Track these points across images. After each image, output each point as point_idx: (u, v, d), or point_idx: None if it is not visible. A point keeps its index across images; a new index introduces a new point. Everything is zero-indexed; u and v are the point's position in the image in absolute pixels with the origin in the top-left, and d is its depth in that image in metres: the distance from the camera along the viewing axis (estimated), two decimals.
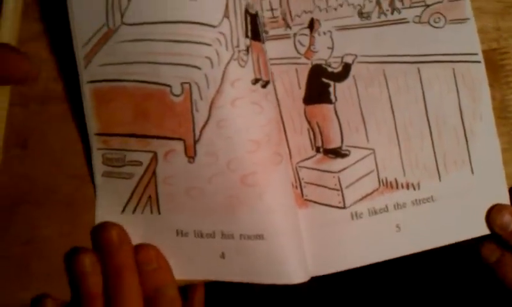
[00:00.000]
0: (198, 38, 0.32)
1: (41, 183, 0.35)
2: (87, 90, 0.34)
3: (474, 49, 0.37)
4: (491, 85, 0.37)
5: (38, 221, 0.35)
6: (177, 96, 0.33)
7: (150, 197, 0.34)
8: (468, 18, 0.37)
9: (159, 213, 0.34)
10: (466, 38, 0.37)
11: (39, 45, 0.36)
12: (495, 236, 0.36)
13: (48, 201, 0.35)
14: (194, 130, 0.33)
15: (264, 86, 0.34)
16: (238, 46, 0.33)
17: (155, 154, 0.34)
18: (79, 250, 0.33)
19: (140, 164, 0.34)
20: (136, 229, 0.35)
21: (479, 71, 0.37)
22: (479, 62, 0.37)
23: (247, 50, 0.33)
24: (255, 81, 0.33)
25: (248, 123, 0.33)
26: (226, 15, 0.32)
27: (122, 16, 0.33)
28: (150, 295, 0.33)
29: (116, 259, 0.33)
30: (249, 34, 0.33)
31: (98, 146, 0.34)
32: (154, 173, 0.34)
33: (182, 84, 0.32)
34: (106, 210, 0.35)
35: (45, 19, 0.36)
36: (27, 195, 0.35)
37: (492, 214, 0.36)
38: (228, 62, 0.32)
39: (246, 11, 0.34)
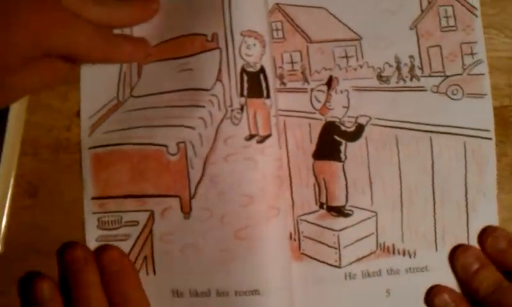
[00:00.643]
0: (192, 101, 0.35)
1: (51, 233, 0.36)
2: (87, 156, 0.36)
3: (488, 126, 0.37)
4: (502, 141, 0.38)
5: (48, 271, 0.35)
6: (173, 155, 0.35)
7: (145, 257, 0.35)
8: (485, 94, 0.38)
9: (154, 273, 0.35)
10: (481, 113, 0.38)
11: (52, 95, 0.37)
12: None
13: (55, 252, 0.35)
14: (189, 187, 0.34)
15: (260, 142, 0.35)
16: (231, 105, 0.35)
17: (152, 212, 0.35)
18: (36, 276, 0.33)
19: (137, 223, 0.35)
20: None
21: (490, 149, 0.37)
22: (491, 139, 0.37)
23: (241, 108, 0.35)
24: (250, 137, 0.34)
25: (240, 178, 0.34)
26: (218, 79, 0.35)
27: (132, 90, 0.36)
28: (115, 301, 0.33)
29: (82, 278, 0.33)
30: (245, 92, 0.35)
31: (94, 210, 0.35)
32: (151, 232, 0.35)
33: (177, 143, 0.35)
34: None
35: None
36: (37, 244, 0.36)
37: (456, 254, 0.36)
38: (221, 121, 0.34)
39: (243, 71, 0.35)
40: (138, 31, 0.37)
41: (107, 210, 0.35)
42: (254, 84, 0.35)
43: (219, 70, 0.35)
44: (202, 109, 0.35)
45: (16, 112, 0.36)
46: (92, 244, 0.35)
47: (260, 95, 0.35)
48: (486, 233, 0.36)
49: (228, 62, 0.35)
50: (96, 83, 0.37)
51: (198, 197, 0.35)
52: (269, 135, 0.35)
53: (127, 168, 0.35)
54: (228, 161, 0.34)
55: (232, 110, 0.35)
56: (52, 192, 0.37)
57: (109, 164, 0.35)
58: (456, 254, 0.36)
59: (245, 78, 0.35)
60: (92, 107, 0.36)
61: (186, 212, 0.35)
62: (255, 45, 0.35)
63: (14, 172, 0.36)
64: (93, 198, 0.36)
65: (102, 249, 0.34)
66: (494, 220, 0.37)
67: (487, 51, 0.39)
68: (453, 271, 0.36)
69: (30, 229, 0.36)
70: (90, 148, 0.36)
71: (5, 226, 0.36)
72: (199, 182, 0.35)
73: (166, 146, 0.35)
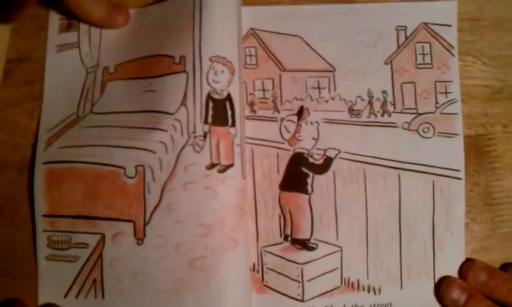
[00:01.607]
0: (154, 124, 0.34)
1: (14, 253, 0.36)
2: (40, 171, 0.35)
3: (458, 166, 0.38)
4: (476, 171, 0.39)
5: (11, 292, 0.35)
6: (130, 178, 0.34)
7: (94, 280, 0.34)
8: (457, 134, 0.38)
9: (103, 297, 0.34)
10: (452, 152, 0.38)
11: (18, 111, 0.38)
12: None
13: (22, 272, 0.35)
14: (145, 212, 0.34)
15: (221, 171, 0.34)
16: (194, 132, 0.34)
17: (103, 236, 0.34)
18: (14, 302, 0.34)
19: (86, 246, 0.34)
20: None
21: (459, 188, 0.37)
22: (460, 179, 0.37)
23: (204, 136, 0.34)
24: (211, 166, 0.34)
25: (199, 207, 0.34)
26: (183, 103, 0.34)
27: (92, 106, 0.36)
28: None
29: None
30: (209, 120, 0.34)
31: (44, 228, 0.35)
32: (101, 255, 0.34)
33: (136, 166, 0.34)
34: (49, 294, 0.35)
35: (26, 87, 0.38)
36: (1, 264, 0.36)
37: (442, 288, 0.36)
38: (183, 148, 0.34)
39: (209, 97, 0.35)
40: (106, 42, 0.38)
41: (58, 229, 0.35)
42: (219, 111, 0.35)
43: (185, 95, 0.35)
44: (164, 132, 0.34)
45: None
46: (42, 263, 0.35)
47: (224, 123, 0.35)
48: (464, 268, 0.37)
49: (194, 87, 0.35)
50: (58, 97, 0.37)
51: (153, 224, 0.34)
52: (231, 165, 0.35)
53: (81, 187, 0.35)
54: (187, 189, 0.34)
55: (195, 137, 0.34)
56: (17, 212, 0.36)
57: (62, 181, 0.35)
58: (442, 289, 0.36)
59: (210, 105, 0.35)
60: (51, 121, 0.36)
61: (139, 238, 0.34)
62: (223, 71, 0.35)
63: None
64: (44, 215, 0.35)
65: None
66: (461, 260, 0.37)
67: (463, 79, 0.39)
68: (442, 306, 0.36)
69: None
70: (44, 163, 0.35)
71: None
72: (155, 208, 0.34)
73: (123, 168, 0.34)
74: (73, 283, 0.35)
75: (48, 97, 0.37)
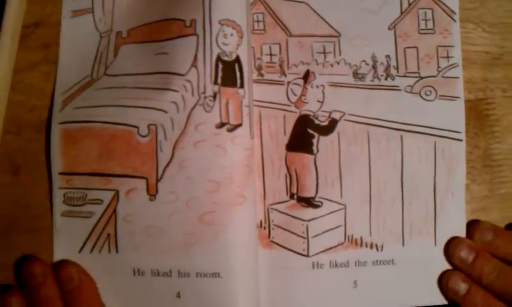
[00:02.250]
0: (166, 85, 0.36)
1: (31, 210, 0.37)
2: (57, 131, 0.36)
3: (459, 127, 0.39)
4: (476, 134, 0.40)
5: (28, 247, 0.36)
6: (143, 136, 0.35)
7: (108, 235, 0.35)
8: (458, 97, 0.39)
9: (117, 251, 0.35)
10: (453, 115, 0.39)
11: (34, 74, 0.38)
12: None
13: (38, 227, 0.37)
14: (157, 169, 0.35)
15: (230, 130, 0.36)
16: (204, 92, 0.35)
17: (117, 192, 0.35)
18: (5, 290, 0.34)
19: (101, 202, 0.35)
20: (93, 269, 0.36)
21: (459, 150, 0.38)
22: (461, 140, 0.39)
23: (214, 96, 0.35)
24: (220, 125, 0.35)
25: (209, 164, 0.35)
26: (194, 65, 0.36)
27: (106, 68, 0.37)
28: None
29: (41, 293, 0.34)
30: (219, 81, 0.36)
31: (60, 185, 0.36)
32: (115, 211, 0.35)
33: (148, 125, 0.35)
34: (64, 250, 0.36)
35: (42, 51, 0.39)
36: (18, 221, 0.37)
37: (450, 248, 0.38)
38: (194, 107, 0.35)
39: (219, 59, 0.36)
40: (119, 8, 0.39)
41: (73, 186, 0.36)
42: (228, 73, 0.36)
43: (195, 57, 0.36)
44: (175, 93, 0.35)
45: (0, 90, 0.37)
46: (58, 219, 0.36)
47: (233, 85, 0.36)
48: (471, 228, 0.38)
49: (204, 49, 0.36)
50: (73, 60, 0.37)
51: (165, 180, 0.35)
52: (239, 125, 0.36)
53: (96, 146, 0.36)
54: (198, 147, 0.35)
55: (205, 97, 0.36)
56: (34, 170, 0.37)
57: (77, 140, 0.36)
58: (450, 249, 0.37)
59: (220, 66, 0.36)
60: (66, 83, 0.37)
61: (152, 194, 0.35)
62: (232, 34, 0.36)
63: None
64: (60, 173, 0.36)
65: (60, 266, 0.35)
66: (461, 220, 0.38)
67: (464, 45, 0.40)
68: (452, 265, 0.38)
69: (11, 205, 0.37)
70: (60, 123, 0.36)
71: None
72: (167, 165, 0.35)
73: (136, 127, 0.35)
74: (88, 238, 0.36)
75: (64, 60, 0.38)
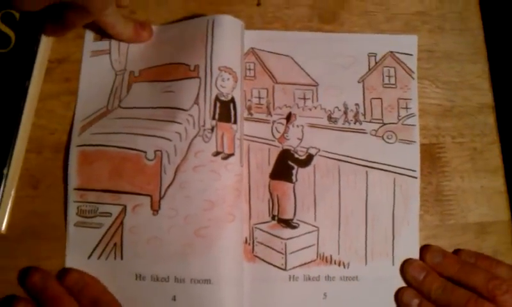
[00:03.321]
0: (172, 118, 0.40)
1: (47, 220, 0.40)
2: (75, 152, 0.40)
3: (414, 167, 0.45)
4: (429, 173, 0.45)
5: (43, 253, 0.40)
6: (150, 160, 0.39)
7: (115, 244, 0.39)
8: (414, 141, 0.45)
9: (122, 258, 0.39)
10: (410, 156, 0.45)
11: (56, 103, 0.43)
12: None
13: (53, 236, 0.40)
14: (160, 189, 0.39)
15: (224, 158, 0.40)
16: (204, 125, 0.40)
17: (125, 207, 0.39)
18: (14, 299, 0.37)
19: (110, 215, 0.39)
20: (100, 274, 0.39)
21: (415, 185, 0.44)
22: (416, 178, 0.45)
23: (212, 129, 0.40)
24: (216, 154, 0.40)
25: (205, 186, 0.39)
26: (196, 102, 0.41)
27: (120, 101, 0.42)
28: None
29: (47, 295, 0.37)
30: (216, 116, 0.40)
31: (75, 199, 0.40)
32: (122, 223, 0.39)
33: (155, 151, 0.39)
34: (75, 256, 0.40)
35: (63, 83, 0.43)
36: (35, 229, 0.40)
37: (405, 268, 0.42)
38: (194, 137, 0.40)
39: (217, 99, 0.41)
40: (132, 51, 0.44)
41: (86, 200, 0.39)
42: (224, 110, 0.41)
43: (197, 95, 0.40)
44: (179, 125, 0.40)
45: (26, 116, 0.41)
46: (71, 229, 0.40)
47: (228, 120, 0.41)
48: (424, 251, 0.43)
49: (205, 90, 0.41)
50: (91, 92, 0.42)
51: (167, 198, 0.39)
52: (232, 154, 0.41)
53: (108, 166, 0.40)
54: (196, 171, 0.39)
55: (204, 130, 0.40)
56: (52, 185, 0.41)
57: (92, 161, 0.40)
58: (405, 268, 0.42)
59: (218, 105, 0.41)
60: (85, 112, 0.42)
61: (155, 209, 0.39)
62: (228, 79, 0.42)
63: (20, 166, 0.41)
64: (76, 189, 0.40)
65: (63, 274, 0.38)
66: (415, 245, 0.44)
67: (421, 98, 0.46)
68: (405, 282, 0.42)
69: (30, 215, 0.40)
70: (78, 146, 0.40)
71: (9, 212, 0.40)
72: (169, 186, 0.39)
73: (144, 151, 0.40)
74: (97, 246, 0.39)
75: (83, 92, 0.42)
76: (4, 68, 0.40)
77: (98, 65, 0.43)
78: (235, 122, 0.41)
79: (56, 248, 0.40)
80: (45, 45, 0.42)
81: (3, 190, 0.39)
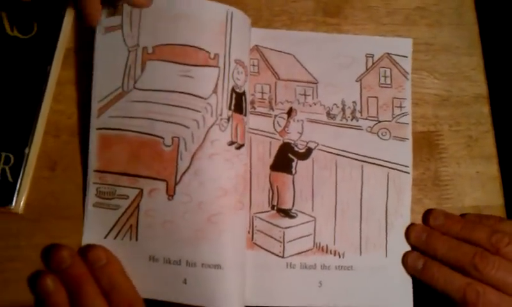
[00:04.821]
0: (190, 105, 0.41)
1: (64, 200, 0.42)
2: (95, 135, 0.41)
3: (407, 162, 0.47)
4: (427, 159, 0.47)
5: (59, 232, 0.41)
6: (168, 146, 0.40)
7: (131, 226, 0.40)
8: (407, 138, 0.48)
9: (137, 240, 0.40)
10: (403, 152, 0.47)
11: (73, 88, 0.44)
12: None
13: (69, 215, 0.41)
14: (176, 174, 0.40)
15: (237, 148, 0.42)
16: (221, 115, 0.41)
17: (141, 190, 0.40)
18: (41, 273, 0.38)
19: (127, 197, 0.40)
20: (116, 253, 0.40)
21: (407, 180, 0.47)
22: (408, 173, 0.47)
23: (228, 119, 0.41)
24: (231, 143, 0.41)
25: (219, 174, 0.40)
26: (214, 91, 0.41)
27: (135, 82, 0.41)
28: (107, 289, 0.37)
29: (73, 272, 0.38)
30: (232, 107, 0.42)
31: (94, 181, 0.41)
32: (138, 206, 0.40)
33: (172, 138, 0.40)
34: (91, 235, 0.41)
35: (79, 68, 0.44)
36: (52, 209, 0.42)
37: (408, 232, 0.44)
38: (211, 126, 0.41)
39: (233, 90, 0.42)
40: (144, 24, 0.42)
41: (105, 182, 0.40)
42: (238, 102, 0.42)
43: (216, 85, 0.41)
44: (197, 113, 0.41)
45: (46, 100, 0.43)
46: (89, 209, 0.41)
47: (241, 112, 0.43)
48: (427, 216, 0.45)
49: (223, 80, 0.41)
50: (106, 72, 0.41)
51: (182, 184, 0.40)
52: (243, 144, 0.43)
53: (127, 150, 0.40)
54: (212, 159, 0.40)
55: (221, 119, 0.41)
56: (68, 168, 0.42)
57: (112, 144, 0.41)
58: (408, 233, 0.44)
59: (234, 96, 0.42)
60: (101, 93, 0.41)
61: (170, 194, 0.40)
62: (241, 72, 0.43)
63: (39, 148, 0.42)
64: (95, 170, 0.41)
65: (88, 248, 0.39)
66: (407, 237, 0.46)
67: (420, 88, 0.48)
68: (411, 246, 0.44)
69: (47, 196, 0.42)
70: (98, 129, 0.41)
71: (27, 192, 0.42)
72: (184, 172, 0.40)
73: (162, 137, 0.40)
74: (113, 226, 0.41)
75: (98, 72, 0.41)
76: (27, 53, 0.42)
77: (111, 42, 0.42)
78: (245, 114, 0.43)
79: (72, 228, 0.41)
80: (65, 32, 0.44)
81: (23, 170, 0.40)
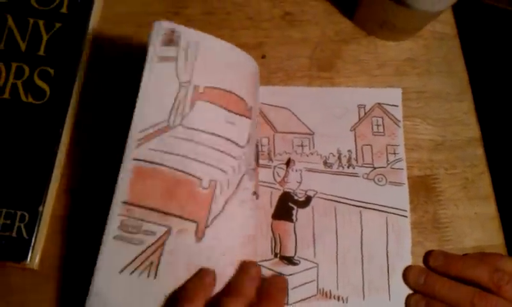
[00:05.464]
0: (230, 151, 0.40)
1: (77, 255, 0.44)
2: (130, 165, 0.38)
3: (404, 207, 0.49)
4: (425, 202, 0.48)
5: (74, 286, 0.42)
6: (205, 188, 0.39)
7: (151, 263, 0.37)
8: (403, 183, 0.50)
9: (155, 277, 0.37)
10: (399, 197, 0.49)
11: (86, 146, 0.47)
12: None
13: (83, 269, 0.39)
14: (208, 217, 0.38)
15: (257, 198, 0.43)
16: (250, 165, 0.42)
17: (170, 229, 0.37)
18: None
19: (153, 234, 0.37)
20: (129, 289, 0.37)
21: (405, 224, 0.48)
22: (406, 217, 0.49)
23: (253, 169, 0.42)
24: (254, 193, 0.42)
25: (247, 221, 0.41)
26: (248, 141, 0.42)
27: (182, 119, 0.39)
28: None
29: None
30: (256, 159, 0.43)
31: (120, 213, 0.37)
32: (163, 244, 0.37)
33: (210, 180, 0.39)
34: (106, 269, 0.37)
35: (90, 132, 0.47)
36: (66, 264, 0.43)
37: (405, 274, 0.45)
38: (244, 174, 0.41)
39: (257, 142, 0.45)
40: (199, 64, 0.41)
41: (132, 216, 0.37)
42: (257, 155, 0.44)
43: (249, 136, 0.42)
44: (235, 160, 0.40)
45: (59, 159, 0.45)
46: (109, 241, 0.37)
47: (258, 164, 0.44)
48: (428, 256, 0.46)
49: (253, 132, 0.43)
50: (152, 102, 0.39)
51: (212, 228, 0.38)
52: (258, 195, 0.44)
53: (162, 186, 0.38)
54: (242, 206, 0.40)
55: (250, 169, 0.42)
56: (80, 224, 0.44)
57: (146, 177, 0.38)
58: (405, 275, 0.45)
59: (256, 149, 0.43)
60: (143, 123, 0.38)
61: (199, 236, 0.38)
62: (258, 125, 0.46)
63: (52, 205, 0.44)
64: (124, 202, 0.37)
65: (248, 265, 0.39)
66: None
67: (414, 134, 0.50)
68: (411, 288, 0.44)
69: (61, 252, 0.43)
70: (134, 159, 0.38)
71: (42, 248, 0.43)
72: (216, 216, 0.39)
73: (200, 179, 0.39)
74: (132, 261, 0.37)
75: (143, 102, 0.39)
76: (41, 117, 0.45)
77: (163, 72, 0.40)
78: (258, 165, 0.44)
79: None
80: (75, 98, 0.47)
81: (38, 227, 0.42)
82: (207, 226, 0.38)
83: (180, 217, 0.38)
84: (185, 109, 0.39)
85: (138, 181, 0.38)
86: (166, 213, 0.38)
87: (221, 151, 0.40)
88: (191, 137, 0.39)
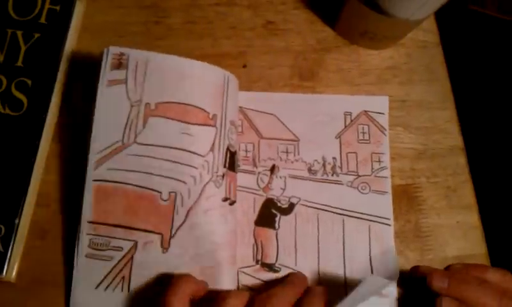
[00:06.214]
0: (188, 162, 0.42)
1: (55, 267, 0.43)
2: (91, 186, 0.41)
3: (387, 215, 0.49)
4: (407, 211, 0.48)
5: (51, 299, 0.42)
6: (164, 201, 0.41)
7: (123, 277, 0.40)
8: (387, 192, 0.50)
9: (128, 291, 0.40)
10: (383, 205, 0.49)
11: (63, 157, 0.47)
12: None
13: (61, 282, 0.42)
14: (171, 228, 0.41)
15: (231, 204, 0.43)
16: (217, 172, 0.42)
17: (136, 243, 0.40)
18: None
19: (121, 249, 0.41)
20: (106, 304, 0.40)
21: (388, 232, 0.48)
22: (390, 225, 0.48)
23: (222, 176, 0.43)
24: (225, 199, 0.42)
25: (214, 228, 0.41)
26: (211, 149, 0.43)
27: (136, 136, 0.42)
28: None
29: None
30: (226, 165, 0.44)
31: (88, 232, 0.41)
32: (132, 258, 0.40)
33: (169, 192, 0.41)
34: (82, 285, 0.41)
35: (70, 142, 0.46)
36: (43, 277, 0.43)
37: (428, 280, 0.41)
38: (207, 183, 0.42)
39: (228, 149, 0.45)
40: (149, 82, 0.43)
41: (99, 234, 0.40)
42: (231, 160, 0.44)
43: (213, 143, 0.43)
44: (195, 169, 0.42)
45: (36, 172, 0.45)
46: (81, 259, 0.41)
47: (233, 170, 0.44)
48: (429, 278, 0.41)
49: (220, 139, 0.43)
50: (107, 124, 0.42)
51: (177, 238, 0.40)
52: (235, 201, 0.44)
53: (124, 203, 0.41)
54: (207, 214, 0.41)
55: (217, 176, 0.42)
56: (58, 237, 0.44)
57: (108, 196, 0.41)
58: (428, 281, 0.41)
59: (228, 154, 0.44)
60: (99, 144, 0.41)
61: (165, 247, 0.41)
62: (234, 132, 0.46)
63: (30, 218, 0.44)
64: (89, 222, 0.41)
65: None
66: (395, 287, 0.46)
67: (396, 143, 0.50)
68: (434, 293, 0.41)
69: (38, 265, 0.43)
70: (94, 180, 0.41)
71: (19, 262, 0.43)
72: (180, 226, 0.41)
73: (160, 192, 0.41)
74: (105, 277, 0.41)
75: (98, 125, 0.42)
76: (17, 129, 0.44)
77: (114, 95, 0.42)
78: (236, 172, 0.45)
79: (60, 293, 0.43)
80: (53, 109, 0.47)
81: (14, 240, 0.42)
82: (171, 237, 0.40)
83: (145, 230, 0.40)
84: (138, 127, 0.42)
85: (101, 200, 0.41)
86: (130, 228, 0.40)
87: (179, 163, 0.41)
88: (146, 152, 0.41)
